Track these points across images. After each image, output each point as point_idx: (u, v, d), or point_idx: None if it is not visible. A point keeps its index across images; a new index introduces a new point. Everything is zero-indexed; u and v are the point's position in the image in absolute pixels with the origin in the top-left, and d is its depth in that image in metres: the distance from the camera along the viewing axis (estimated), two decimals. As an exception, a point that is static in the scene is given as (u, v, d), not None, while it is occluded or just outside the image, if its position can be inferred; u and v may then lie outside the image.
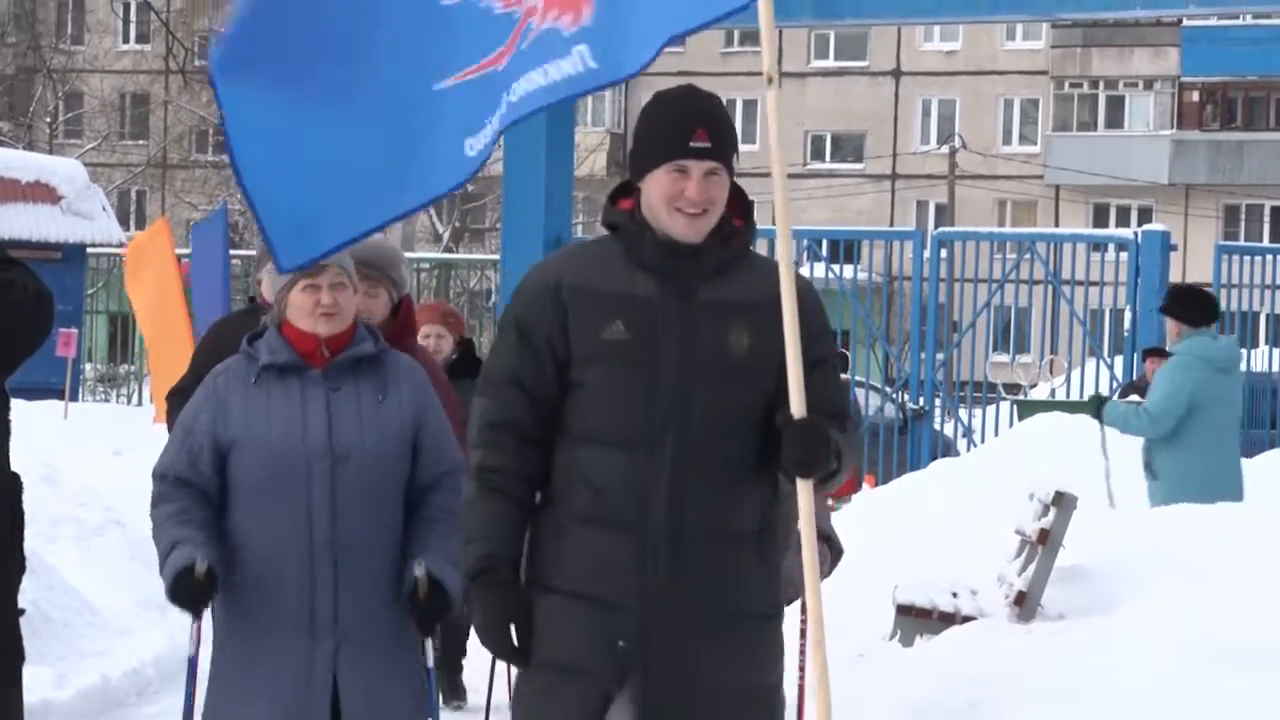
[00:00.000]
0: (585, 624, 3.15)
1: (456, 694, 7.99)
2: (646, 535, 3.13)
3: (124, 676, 6.48)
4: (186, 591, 3.93)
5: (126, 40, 44.76)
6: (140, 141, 46.02)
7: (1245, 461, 10.56)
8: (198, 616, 4.12)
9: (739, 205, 3.31)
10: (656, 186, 3.20)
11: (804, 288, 3.42)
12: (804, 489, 3.27)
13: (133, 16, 41.52)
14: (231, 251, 11.80)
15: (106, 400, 17.27)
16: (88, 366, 17.97)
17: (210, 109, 41.45)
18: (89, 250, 19.68)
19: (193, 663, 4.39)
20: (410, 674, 4.40)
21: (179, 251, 10.35)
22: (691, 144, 3.17)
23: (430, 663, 4.90)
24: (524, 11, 3.92)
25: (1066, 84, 43.03)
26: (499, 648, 3.23)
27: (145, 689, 6.19)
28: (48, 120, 43.68)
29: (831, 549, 5.13)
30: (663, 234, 3.23)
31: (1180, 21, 32.43)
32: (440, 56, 3.98)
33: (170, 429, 5.42)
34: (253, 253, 19.21)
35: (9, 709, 4.40)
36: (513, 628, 3.14)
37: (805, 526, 3.33)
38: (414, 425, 4.34)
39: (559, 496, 3.25)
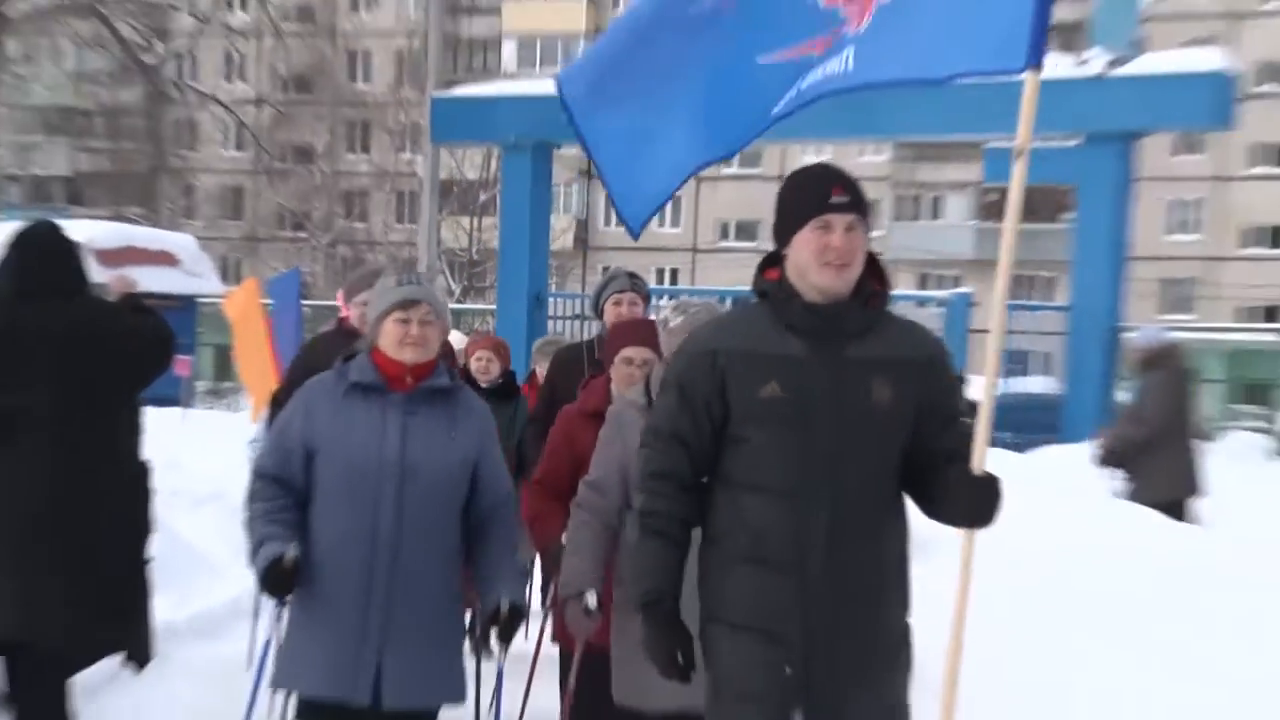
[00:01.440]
0: (756, 653, 2.69)
1: None
2: (806, 576, 2.65)
3: (223, 605, 6.25)
4: (274, 580, 3.44)
5: (227, 148, 44.43)
6: (236, 221, 46.24)
7: (1025, 455, 9.86)
8: (282, 602, 3.57)
9: (876, 270, 2.77)
10: (804, 245, 2.67)
11: (942, 350, 2.95)
12: (969, 535, 2.85)
13: (231, 132, 41.11)
14: (302, 301, 12.00)
15: (212, 409, 16.90)
16: (199, 384, 17.58)
17: (286, 198, 42.27)
18: (199, 300, 19.36)
19: (266, 645, 3.98)
20: (444, 668, 3.66)
21: (263, 300, 10.31)
22: (832, 200, 2.68)
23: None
24: (848, 15, 3.42)
25: (902, 186, 43.76)
26: (665, 668, 2.75)
27: (240, 614, 5.90)
28: (169, 206, 43.29)
29: None
30: (810, 298, 2.70)
31: (984, 143, 32.73)
32: (768, 36, 3.56)
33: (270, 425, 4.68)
34: (317, 303, 19.16)
35: (144, 624, 4.77)
36: (679, 653, 2.70)
37: (964, 573, 2.85)
38: (476, 456, 3.68)
39: (721, 537, 2.78)
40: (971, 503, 2.63)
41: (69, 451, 3.84)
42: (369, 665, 3.34)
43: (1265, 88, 36.35)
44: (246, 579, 4.91)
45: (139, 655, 4.67)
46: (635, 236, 4.17)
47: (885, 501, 2.70)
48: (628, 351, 4.11)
